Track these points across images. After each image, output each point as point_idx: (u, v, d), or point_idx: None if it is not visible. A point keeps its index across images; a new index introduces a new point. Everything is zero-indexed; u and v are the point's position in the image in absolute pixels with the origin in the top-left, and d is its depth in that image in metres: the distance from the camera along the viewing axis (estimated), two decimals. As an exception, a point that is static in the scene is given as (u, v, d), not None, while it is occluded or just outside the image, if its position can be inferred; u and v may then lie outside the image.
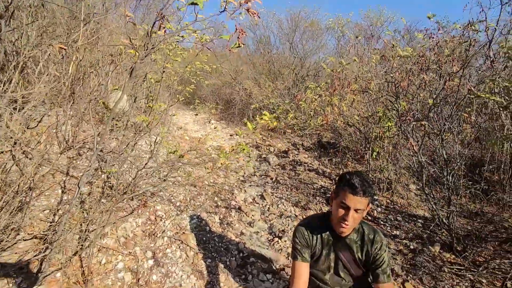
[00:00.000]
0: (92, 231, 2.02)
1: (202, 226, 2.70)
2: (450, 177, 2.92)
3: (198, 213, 2.85)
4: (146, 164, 2.26)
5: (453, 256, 2.75)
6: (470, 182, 4.02)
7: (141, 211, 2.51)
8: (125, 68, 3.47)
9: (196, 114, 7.37)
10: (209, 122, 6.93)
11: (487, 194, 3.84)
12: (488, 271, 2.53)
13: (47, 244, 1.67)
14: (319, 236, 1.57)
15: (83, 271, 1.82)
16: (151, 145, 3.67)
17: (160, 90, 2.55)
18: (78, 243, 1.93)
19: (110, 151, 2.04)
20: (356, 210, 1.39)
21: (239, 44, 1.48)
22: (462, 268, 2.58)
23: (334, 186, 1.50)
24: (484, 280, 2.46)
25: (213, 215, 2.94)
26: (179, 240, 2.38)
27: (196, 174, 3.60)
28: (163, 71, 1.94)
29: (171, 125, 5.30)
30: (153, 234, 2.33)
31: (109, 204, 2.15)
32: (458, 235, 2.83)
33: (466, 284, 2.42)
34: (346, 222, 1.40)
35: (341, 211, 1.42)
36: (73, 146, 2.52)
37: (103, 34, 3.38)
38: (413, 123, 2.61)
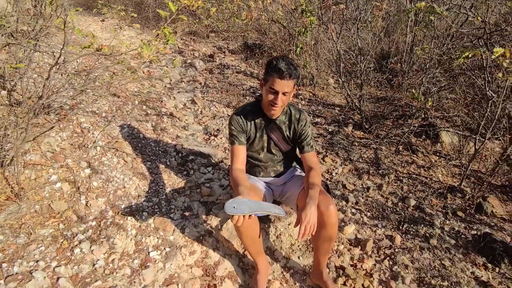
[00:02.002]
0: (9, 149, 1.84)
1: (135, 133, 2.64)
2: (363, 65, 3.24)
3: (128, 122, 2.74)
4: (50, 70, 1.97)
5: (362, 133, 3.29)
6: (378, 73, 4.55)
7: (63, 125, 2.31)
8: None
9: (103, 20, 6.34)
10: (120, 28, 6.08)
11: (391, 81, 4.43)
12: (387, 140, 3.12)
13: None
14: (252, 121, 1.70)
15: (12, 188, 1.71)
16: (54, 56, 3.15)
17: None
18: (-4, 162, 1.76)
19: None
20: (284, 93, 1.51)
21: None
22: (368, 140, 3.13)
23: (263, 74, 1.56)
24: (383, 147, 3.04)
25: (144, 122, 2.87)
26: (113, 148, 2.32)
27: (116, 83, 3.32)
28: None
29: (74, 33, 4.52)
30: (84, 146, 2.22)
31: (20, 120, 1.91)
32: (366, 115, 3.33)
33: (371, 151, 2.97)
34: (276, 105, 1.53)
35: (271, 96, 1.52)
36: None
37: None
38: (332, 7, 2.69)
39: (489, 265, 1.99)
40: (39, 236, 1.58)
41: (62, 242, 1.57)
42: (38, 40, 1.85)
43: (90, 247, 1.59)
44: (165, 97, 3.52)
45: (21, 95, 2.18)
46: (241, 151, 1.69)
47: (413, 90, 2.39)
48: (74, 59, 1.98)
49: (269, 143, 1.77)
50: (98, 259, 1.56)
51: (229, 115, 3.35)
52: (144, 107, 3.17)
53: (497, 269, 1.97)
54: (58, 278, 1.40)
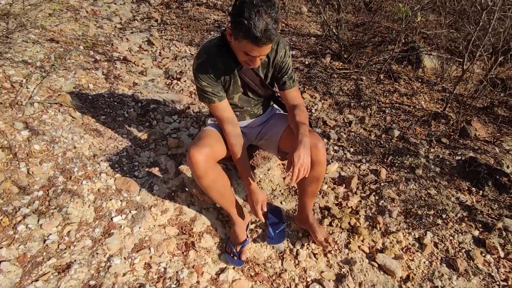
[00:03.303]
0: None
1: (82, 84, 2.26)
2: (339, -16, 2.84)
3: (73, 72, 2.32)
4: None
5: (341, 63, 3.02)
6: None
7: (-14, 80, 1.90)
8: None
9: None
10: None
11: (369, 5, 4.05)
12: (367, 69, 2.89)
13: None
14: (222, 67, 1.32)
15: None
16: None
17: None
18: None
19: None
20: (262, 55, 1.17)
21: None
22: (348, 71, 2.88)
23: (230, 20, 1.12)
24: (364, 77, 2.82)
25: (93, 70, 2.45)
26: (55, 103, 1.96)
27: (49, 25, 2.77)
28: None
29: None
30: (17, 104, 1.84)
31: None
32: (345, 44, 3.03)
33: (351, 83, 2.75)
34: (254, 66, 1.21)
35: (246, 57, 1.18)
36: None
37: None
38: None
39: (473, 189, 1.95)
40: (-28, 215, 1.32)
41: (1, 220, 1.32)
42: None
43: (38, 221, 1.36)
44: (116, 39, 3.03)
45: None
46: (227, 107, 1.39)
47: (399, 4, 2.09)
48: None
49: (245, 87, 1.45)
50: (50, 234, 1.34)
51: (192, 55, 2.96)
52: (92, 52, 2.70)
53: (480, 192, 1.94)
54: (0, 262, 1.19)
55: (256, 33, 1.03)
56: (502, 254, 1.64)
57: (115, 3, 3.70)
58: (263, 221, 1.63)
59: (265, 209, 1.45)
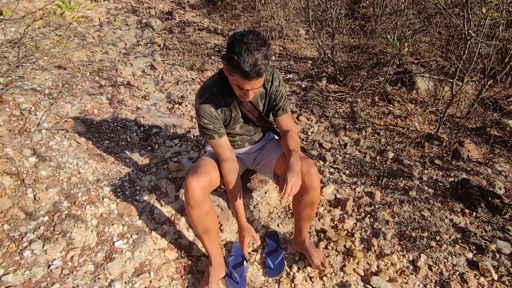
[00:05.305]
0: None
1: (88, 110, 2.35)
2: (334, 11, 2.98)
3: (79, 97, 2.43)
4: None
5: (337, 86, 3.12)
6: (350, 20, 4.28)
7: (-3, 108, 1.99)
8: None
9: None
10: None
11: (364, 28, 4.19)
12: (362, 92, 2.98)
13: None
14: (224, 105, 1.43)
15: None
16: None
17: None
18: None
19: None
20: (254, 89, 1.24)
21: None
22: (343, 94, 2.97)
23: (225, 52, 1.19)
24: (359, 100, 2.91)
25: (98, 96, 2.56)
26: (62, 129, 2.05)
27: (58, 52, 2.90)
28: None
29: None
30: (25, 131, 1.94)
31: None
32: (340, 67, 3.14)
33: (346, 105, 2.84)
34: (247, 99, 1.29)
35: (240, 90, 1.26)
36: None
37: None
38: None
39: (467, 210, 1.99)
40: (-19, 241, 1.38)
41: (8, 246, 1.38)
42: None
43: (43, 247, 1.42)
44: (121, 64, 3.16)
45: None
46: (226, 143, 1.47)
47: (388, 36, 2.20)
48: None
49: (245, 119, 1.55)
50: (54, 259, 1.39)
51: (193, 79, 3.07)
52: (97, 78, 2.82)
53: (474, 213, 1.98)
54: (6, 288, 1.24)
55: (245, 67, 1.11)
56: (495, 276, 1.66)
57: (120, 29, 3.87)
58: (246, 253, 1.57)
59: (258, 242, 1.55)
